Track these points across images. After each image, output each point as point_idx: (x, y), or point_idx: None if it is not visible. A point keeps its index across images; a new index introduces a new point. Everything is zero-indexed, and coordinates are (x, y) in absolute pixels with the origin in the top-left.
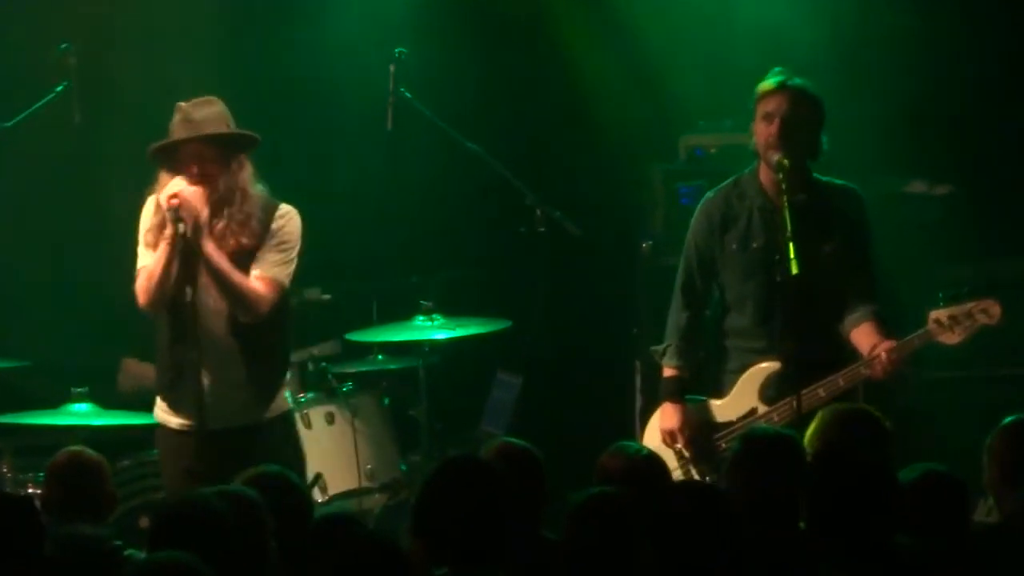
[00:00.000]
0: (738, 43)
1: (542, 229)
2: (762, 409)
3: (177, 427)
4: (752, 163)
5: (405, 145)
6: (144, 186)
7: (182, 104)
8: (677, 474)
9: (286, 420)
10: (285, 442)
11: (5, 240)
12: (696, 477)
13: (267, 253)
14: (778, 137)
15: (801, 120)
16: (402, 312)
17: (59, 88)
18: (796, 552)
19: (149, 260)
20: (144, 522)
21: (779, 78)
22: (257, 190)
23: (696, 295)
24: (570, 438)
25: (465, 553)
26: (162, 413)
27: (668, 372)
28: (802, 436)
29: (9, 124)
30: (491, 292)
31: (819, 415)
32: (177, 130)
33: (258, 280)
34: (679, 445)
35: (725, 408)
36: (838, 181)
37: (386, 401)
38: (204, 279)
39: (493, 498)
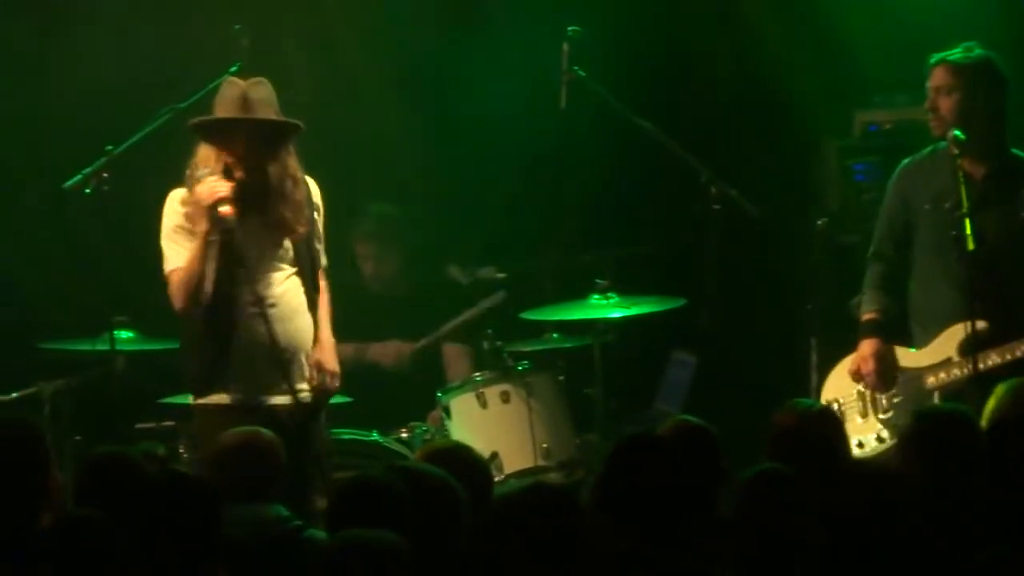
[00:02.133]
0: (914, 16)
1: (717, 207)
2: (957, 359)
3: (218, 404)
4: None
5: (579, 124)
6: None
7: (237, 80)
8: (852, 406)
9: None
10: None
11: None
12: (875, 415)
13: (317, 239)
14: (929, 110)
15: (959, 91)
16: (577, 290)
17: (232, 69)
18: (969, 531)
19: (178, 263)
20: (320, 503)
21: (941, 54)
22: (302, 173)
23: (887, 253)
24: (745, 417)
25: (644, 531)
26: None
27: (866, 316)
28: (983, 396)
29: (184, 105)
30: (666, 270)
31: (996, 389)
32: (231, 107)
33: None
34: (868, 375)
35: (919, 356)
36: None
37: (561, 380)
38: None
39: (671, 477)
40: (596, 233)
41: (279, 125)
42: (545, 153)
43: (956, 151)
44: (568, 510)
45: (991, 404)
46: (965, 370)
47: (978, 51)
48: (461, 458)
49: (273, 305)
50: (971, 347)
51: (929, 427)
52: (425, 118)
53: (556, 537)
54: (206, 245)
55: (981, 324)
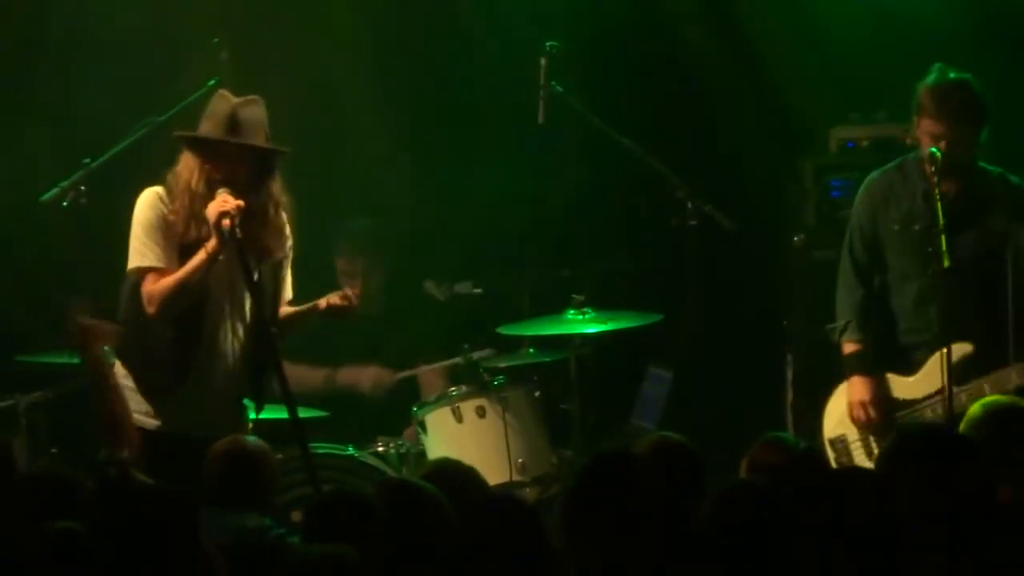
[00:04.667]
0: (891, 33)
1: (693, 222)
2: (954, 388)
3: (154, 429)
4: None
5: (557, 139)
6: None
7: (229, 96)
8: (857, 446)
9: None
10: None
11: None
12: (876, 451)
13: (287, 270)
14: (949, 160)
15: (968, 136)
16: (554, 306)
17: (211, 83)
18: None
19: (156, 261)
20: (296, 516)
21: (948, 102)
22: (285, 197)
23: (865, 273)
24: (720, 432)
25: (614, 549)
26: (142, 416)
27: (851, 348)
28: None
29: (162, 119)
30: (642, 286)
31: (970, 410)
32: (219, 125)
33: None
34: (870, 417)
35: (912, 386)
36: (994, 169)
37: (537, 395)
38: (222, 287)
39: (646, 495)
40: (573, 248)
41: (266, 152)
42: (524, 168)
43: (932, 168)
44: (528, 521)
45: (964, 423)
46: (964, 398)
47: (969, 81)
48: (461, 478)
49: (237, 336)
50: (958, 370)
51: (913, 446)
52: (403, 133)
53: (519, 545)
54: (209, 260)
55: (967, 347)
